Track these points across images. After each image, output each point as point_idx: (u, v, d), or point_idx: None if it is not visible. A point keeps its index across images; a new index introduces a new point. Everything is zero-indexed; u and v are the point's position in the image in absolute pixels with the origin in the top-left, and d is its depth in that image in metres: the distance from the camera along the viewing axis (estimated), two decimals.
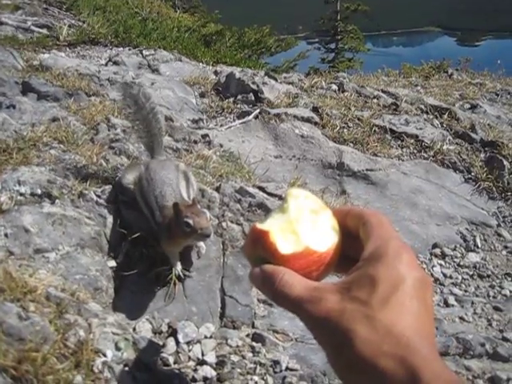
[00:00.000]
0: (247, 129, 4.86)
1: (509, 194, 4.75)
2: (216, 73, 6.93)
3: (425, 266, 3.73)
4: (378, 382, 1.03)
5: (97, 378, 1.91)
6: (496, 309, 3.25)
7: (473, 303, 3.31)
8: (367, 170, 4.56)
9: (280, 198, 3.52)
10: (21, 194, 2.92)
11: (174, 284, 2.71)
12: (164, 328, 2.48)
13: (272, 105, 5.39)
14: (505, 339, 2.89)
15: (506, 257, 3.97)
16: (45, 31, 9.13)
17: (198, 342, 2.40)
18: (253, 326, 2.65)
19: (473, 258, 3.88)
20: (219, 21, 15.79)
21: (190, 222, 2.41)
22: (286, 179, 4.16)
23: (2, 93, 4.52)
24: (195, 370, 2.23)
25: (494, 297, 3.48)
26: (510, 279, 3.69)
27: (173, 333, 2.39)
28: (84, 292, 2.38)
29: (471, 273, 3.73)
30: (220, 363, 2.28)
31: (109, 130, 3.89)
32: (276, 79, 6.18)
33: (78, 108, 4.36)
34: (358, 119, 5.26)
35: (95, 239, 2.80)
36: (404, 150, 5.08)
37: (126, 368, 2.07)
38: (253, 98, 5.57)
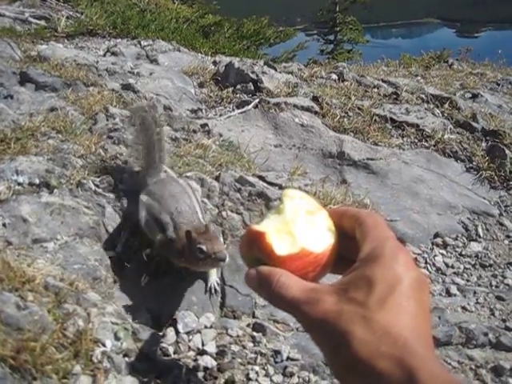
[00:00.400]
0: (247, 118, 4.83)
1: (511, 183, 4.72)
2: (215, 63, 6.89)
3: (426, 255, 3.70)
4: (376, 382, 1.03)
5: (96, 367, 1.89)
6: (499, 298, 3.23)
7: (475, 293, 3.29)
8: (368, 159, 4.52)
9: (280, 187, 3.51)
10: (19, 184, 2.90)
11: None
12: (164, 318, 2.46)
13: (271, 94, 5.36)
14: (508, 329, 2.88)
15: (508, 246, 3.94)
16: (43, 23, 9.09)
17: (198, 331, 2.39)
18: (253, 316, 2.63)
19: (475, 247, 3.86)
20: (218, 12, 15.69)
21: (203, 247, 2.34)
22: (286, 168, 4.13)
23: (0, 83, 4.48)
24: (195, 360, 2.22)
25: (496, 286, 3.45)
26: None
27: (173, 323, 2.37)
28: (83, 282, 2.36)
29: (473, 262, 3.70)
30: (220, 353, 2.27)
31: (107, 120, 3.86)
32: (275, 69, 6.14)
33: (76, 98, 4.32)
34: (359, 108, 5.22)
35: (94, 229, 2.78)
36: (405, 139, 5.05)
37: (126, 358, 2.05)
38: (252, 88, 5.54)
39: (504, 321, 2.98)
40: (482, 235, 4.02)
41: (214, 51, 10.04)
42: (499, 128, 5.21)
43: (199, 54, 7.99)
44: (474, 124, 5.35)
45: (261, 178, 3.57)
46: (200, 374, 2.14)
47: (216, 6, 17.00)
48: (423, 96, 5.91)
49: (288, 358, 2.30)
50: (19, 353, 1.75)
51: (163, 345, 2.23)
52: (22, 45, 6.46)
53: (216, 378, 2.12)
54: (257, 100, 5.08)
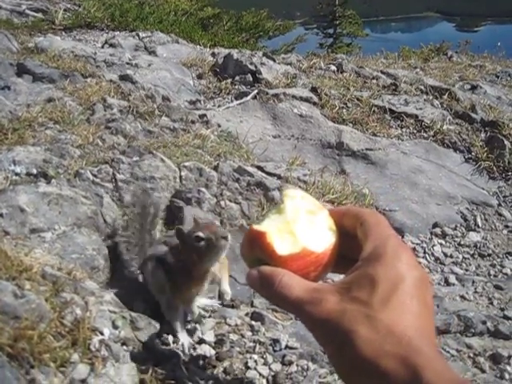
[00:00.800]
0: (245, 109, 4.82)
1: (509, 173, 4.72)
2: (213, 54, 6.87)
3: (425, 245, 3.70)
4: (380, 382, 1.03)
5: (94, 356, 1.88)
6: (497, 287, 3.22)
7: (474, 282, 3.28)
8: (367, 149, 4.51)
9: (279, 177, 3.50)
10: (16, 174, 2.89)
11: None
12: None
13: (270, 85, 5.35)
14: (506, 317, 2.87)
15: (506, 236, 3.94)
16: (40, 15, 9.08)
17: (197, 321, 2.38)
18: (252, 305, 2.62)
19: (473, 237, 3.85)
20: (216, 4, 15.62)
21: (200, 234, 2.10)
22: (285, 159, 4.13)
23: None
24: (194, 349, 2.21)
25: (494, 275, 3.45)
26: (511, 258, 3.67)
27: None
28: (81, 271, 2.35)
29: (472, 252, 3.70)
30: (219, 342, 2.26)
31: (105, 110, 3.86)
32: (274, 60, 6.13)
33: (74, 89, 4.31)
34: (357, 99, 5.22)
35: (92, 218, 2.77)
36: (404, 129, 5.05)
37: (124, 346, 2.04)
38: (251, 79, 5.54)
39: (502, 309, 2.97)
40: (480, 225, 4.01)
41: (213, 44, 10.02)
42: (498, 119, 5.20)
43: (198, 46, 7.96)
44: (473, 115, 5.34)
45: (259, 168, 3.56)
46: (198, 363, 2.14)
47: None
48: (422, 87, 5.90)
49: (286, 347, 2.30)
50: (16, 341, 1.74)
51: (161, 334, 2.22)
52: (19, 37, 6.45)
53: (215, 366, 2.12)
54: (255, 91, 5.07)
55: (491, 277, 3.43)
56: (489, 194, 4.44)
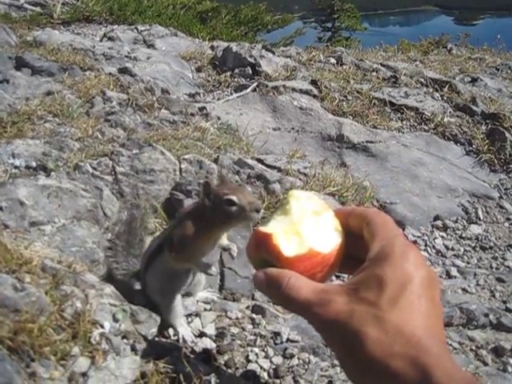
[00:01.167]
0: (245, 101, 4.80)
1: (511, 166, 4.72)
2: (212, 48, 6.86)
3: (426, 238, 3.69)
4: (390, 382, 1.02)
5: (94, 349, 1.87)
6: (499, 280, 3.22)
7: (475, 275, 3.28)
8: (367, 142, 4.50)
9: (279, 170, 3.49)
10: (15, 167, 2.88)
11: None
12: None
13: (270, 78, 5.34)
14: (508, 310, 2.87)
15: (508, 229, 3.93)
16: (38, 9, 9.06)
17: (198, 314, 2.36)
18: (253, 298, 2.62)
19: (475, 230, 3.85)
20: None
21: (234, 198, 1.88)
22: (285, 151, 4.11)
23: None
24: (195, 343, 2.20)
25: (496, 268, 3.45)
26: None
27: None
28: (80, 264, 2.33)
29: (473, 245, 3.70)
30: (220, 335, 2.26)
31: (104, 103, 3.84)
32: (273, 52, 6.12)
33: (73, 82, 4.30)
34: (357, 92, 5.20)
35: (91, 211, 2.76)
36: (404, 122, 5.04)
37: (124, 340, 2.03)
38: (250, 72, 5.52)
39: (504, 302, 2.97)
40: (482, 218, 4.01)
41: (212, 37, 10.00)
42: (499, 111, 5.19)
43: (196, 39, 7.94)
44: (474, 107, 5.33)
45: (259, 160, 3.55)
46: (199, 356, 2.13)
47: None
48: (422, 80, 5.88)
49: (288, 340, 2.29)
50: (17, 334, 1.73)
51: (162, 327, 2.21)
52: (18, 30, 6.43)
53: (215, 359, 2.11)
54: (255, 84, 5.05)
55: (493, 269, 3.43)
56: (490, 187, 4.43)
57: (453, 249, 3.62)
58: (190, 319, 2.34)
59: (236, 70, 5.61)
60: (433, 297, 1.12)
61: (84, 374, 1.77)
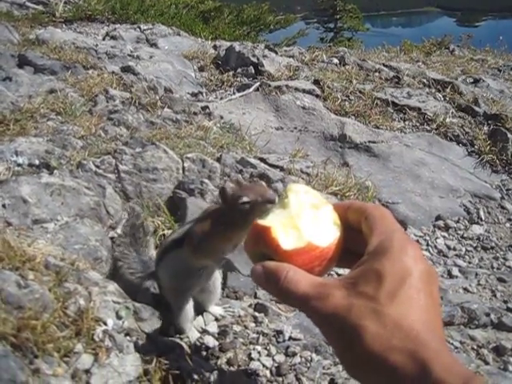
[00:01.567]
0: (248, 101, 4.81)
1: None
2: (215, 47, 6.87)
3: (428, 237, 3.70)
4: (389, 376, 1.02)
5: (97, 346, 1.88)
6: (500, 280, 3.22)
7: (477, 274, 3.28)
8: (369, 142, 4.51)
9: (282, 169, 3.49)
10: (18, 165, 2.88)
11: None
12: (164, 301, 2.43)
13: (272, 77, 5.34)
14: (509, 310, 2.87)
15: (509, 229, 3.94)
16: (40, 7, 9.05)
17: (200, 312, 2.37)
18: (255, 297, 2.62)
19: (476, 230, 3.85)
20: None
21: (245, 198, 1.88)
22: (288, 151, 4.12)
23: None
24: (197, 340, 2.20)
25: (498, 268, 3.45)
26: None
27: None
28: (84, 262, 2.34)
29: (475, 245, 3.70)
30: (222, 333, 2.26)
31: (107, 102, 3.85)
32: (276, 52, 6.13)
33: (76, 80, 4.31)
34: (360, 92, 5.21)
35: (94, 209, 2.76)
36: (406, 122, 5.04)
37: (127, 337, 2.03)
38: (253, 71, 5.53)
39: (506, 302, 2.97)
40: (483, 218, 4.01)
41: (214, 37, 10.01)
42: (501, 112, 5.19)
43: (199, 39, 7.95)
44: (476, 108, 5.33)
45: (262, 159, 3.55)
46: (202, 354, 2.13)
47: None
48: (425, 80, 5.89)
49: (290, 338, 2.29)
50: (20, 331, 1.74)
51: (165, 325, 2.21)
52: (20, 29, 6.43)
53: (218, 357, 2.11)
54: (258, 83, 5.06)
55: (494, 269, 3.43)
56: (492, 188, 4.44)
57: (454, 249, 3.63)
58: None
59: (239, 70, 5.61)
60: (431, 291, 1.12)
61: (87, 371, 1.77)
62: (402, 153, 4.49)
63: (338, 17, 37.29)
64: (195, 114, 4.13)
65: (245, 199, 1.87)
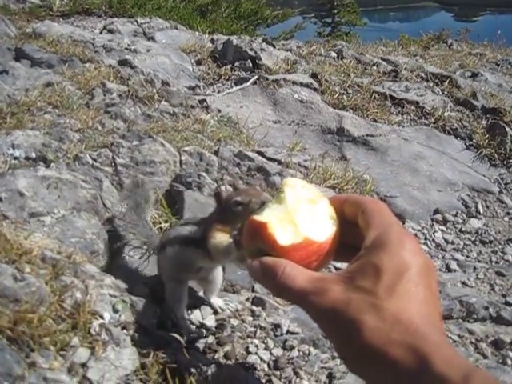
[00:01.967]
0: (245, 94, 4.80)
1: (511, 160, 4.72)
2: (212, 41, 6.85)
3: (426, 231, 3.69)
4: (389, 370, 1.02)
5: (94, 340, 1.87)
6: (498, 274, 3.22)
7: (475, 268, 3.28)
8: (367, 135, 4.50)
9: (279, 162, 3.48)
10: (15, 158, 2.87)
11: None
12: (162, 293, 2.42)
13: (270, 71, 5.33)
14: (508, 303, 2.87)
15: (508, 223, 3.94)
16: (37, 1, 9.01)
17: (197, 306, 2.36)
18: (252, 290, 2.61)
19: (475, 224, 3.85)
20: None
21: (238, 198, 1.96)
22: (286, 144, 4.11)
23: None
24: (194, 334, 2.20)
25: (496, 262, 3.45)
26: None
27: None
28: (80, 255, 2.33)
29: (473, 239, 3.70)
30: (219, 327, 2.25)
31: (104, 95, 3.83)
32: (274, 46, 6.11)
33: (73, 74, 4.29)
34: (358, 86, 5.20)
35: (91, 203, 2.75)
36: (404, 116, 5.04)
37: (124, 330, 2.03)
38: (250, 65, 5.52)
39: (504, 296, 2.97)
40: (481, 212, 4.01)
41: (212, 31, 9.96)
42: (499, 106, 5.18)
43: (196, 33, 7.92)
44: (474, 102, 5.32)
45: (260, 153, 3.55)
46: (199, 348, 2.12)
47: None
48: (423, 74, 5.88)
49: (288, 332, 2.29)
50: (16, 324, 1.73)
51: (162, 318, 2.20)
52: (17, 22, 6.41)
53: (215, 351, 2.10)
54: (255, 77, 5.04)
55: (493, 263, 3.43)
56: (490, 181, 4.44)
57: (452, 242, 3.62)
58: (189, 311, 2.33)
59: (236, 63, 5.60)
60: (430, 284, 1.12)
61: (84, 365, 1.77)
62: (400, 146, 4.49)
63: (335, 11, 37.19)
64: (192, 107, 4.11)
65: (238, 199, 1.94)
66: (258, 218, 1.33)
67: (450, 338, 2.47)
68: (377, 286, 1.08)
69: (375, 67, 5.94)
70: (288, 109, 4.68)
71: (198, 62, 5.90)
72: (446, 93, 5.54)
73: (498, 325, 2.63)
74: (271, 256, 1.26)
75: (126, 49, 5.56)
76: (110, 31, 6.81)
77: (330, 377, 2.03)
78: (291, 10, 18.46)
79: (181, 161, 3.19)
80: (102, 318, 1.98)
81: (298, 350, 2.16)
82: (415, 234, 3.61)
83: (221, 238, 2.03)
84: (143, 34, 6.84)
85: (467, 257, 3.49)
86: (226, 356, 2.08)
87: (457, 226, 3.82)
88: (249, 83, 4.94)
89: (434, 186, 4.15)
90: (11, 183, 2.61)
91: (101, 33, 6.75)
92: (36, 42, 5.18)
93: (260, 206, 1.80)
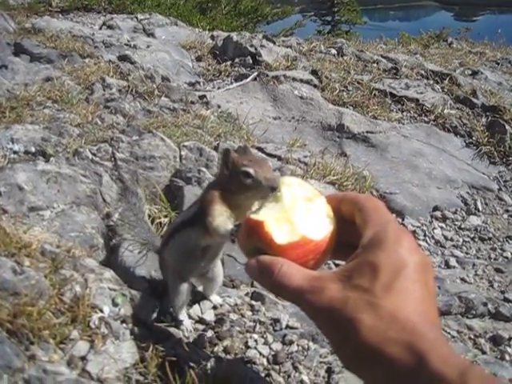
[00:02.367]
0: (245, 90, 4.80)
1: (510, 158, 4.72)
2: (212, 37, 6.85)
3: (425, 228, 3.70)
4: (386, 368, 1.02)
5: (93, 333, 1.87)
6: (497, 270, 3.22)
7: (474, 265, 3.28)
8: (367, 132, 4.50)
9: (279, 158, 3.48)
10: (14, 152, 2.87)
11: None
12: (161, 288, 2.42)
13: (270, 67, 5.33)
14: (506, 300, 2.87)
15: (507, 220, 3.94)
16: None
17: (197, 300, 2.36)
18: (252, 285, 2.60)
19: (474, 221, 3.85)
20: None
21: (251, 171, 1.75)
22: (285, 140, 4.11)
23: None
24: (194, 329, 2.19)
25: (495, 259, 3.46)
26: (511, 242, 3.67)
27: None
28: (80, 249, 2.33)
29: (472, 235, 3.70)
30: (219, 321, 2.25)
31: (104, 90, 3.83)
32: (274, 42, 6.11)
33: (72, 69, 4.29)
34: (358, 83, 5.20)
35: (91, 197, 2.75)
36: (404, 113, 5.04)
37: (124, 324, 2.03)
38: (251, 61, 5.51)
39: (503, 292, 2.98)
40: (481, 209, 4.01)
41: (211, 28, 9.96)
42: (499, 104, 5.18)
43: (196, 29, 7.93)
44: (474, 100, 5.32)
45: (260, 149, 3.55)
46: (199, 342, 2.12)
47: None
48: (423, 72, 5.88)
49: (287, 327, 2.29)
50: (16, 317, 1.73)
51: (161, 313, 2.20)
52: (16, 17, 6.41)
53: (215, 345, 2.10)
54: (255, 73, 5.04)
55: (492, 260, 3.44)
56: (489, 179, 4.44)
57: (452, 239, 3.63)
58: (189, 306, 2.32)
59: (236, 60, 5.60)
60: (427, 282, 1.12)
61: (83, 358, 1.77)
62: (400, 143, 4.49)
63: (335, 10, 37.13)
64: (192, 102, 4.11)
65: (250, 171, 1.75)
66: (254, 216, 1.33)
67: (449, 333, 2.47)
68: (374, 284, 1.08)
69: (375, 64, 5.94)
70: (288, 105, 4.67)
71: (198, 59, 5.90)
72: (445, 90, 5.54)
73: (496, 321, 2.64)
74: (268, 255, 1.27)
75: (126, 44, 5.55)
76: (110, 27, 6.81)
77: (329, 371, 2.02)
78: (291, 7, 18.44)
79: (181, 156, 3.19)
80: (101, 311, 1.98)
81: (297, 345, 2.16)
82: (414, 231, 3.61)
83: (219, 217, 1.86)
84: (143, 30, 6.85)
85: (466, 253, 3.49)
86: (225, 350, 2.08)
87: (456, 222, 3.82)
88: (249, 79, 4.94)
89: (434, 183, 4.15)
90: (10, 177, 2.61)
91: (100, 29, 6.75)
92: (35, 38, 5.18)
93: (271, 191, 1.63)
